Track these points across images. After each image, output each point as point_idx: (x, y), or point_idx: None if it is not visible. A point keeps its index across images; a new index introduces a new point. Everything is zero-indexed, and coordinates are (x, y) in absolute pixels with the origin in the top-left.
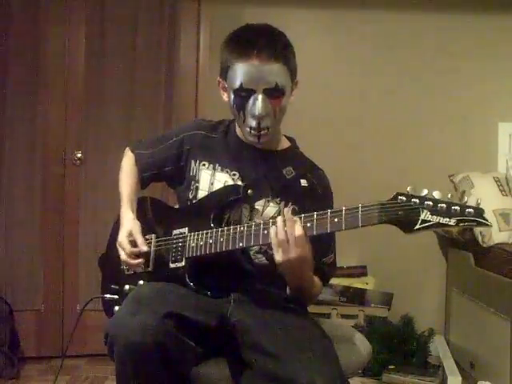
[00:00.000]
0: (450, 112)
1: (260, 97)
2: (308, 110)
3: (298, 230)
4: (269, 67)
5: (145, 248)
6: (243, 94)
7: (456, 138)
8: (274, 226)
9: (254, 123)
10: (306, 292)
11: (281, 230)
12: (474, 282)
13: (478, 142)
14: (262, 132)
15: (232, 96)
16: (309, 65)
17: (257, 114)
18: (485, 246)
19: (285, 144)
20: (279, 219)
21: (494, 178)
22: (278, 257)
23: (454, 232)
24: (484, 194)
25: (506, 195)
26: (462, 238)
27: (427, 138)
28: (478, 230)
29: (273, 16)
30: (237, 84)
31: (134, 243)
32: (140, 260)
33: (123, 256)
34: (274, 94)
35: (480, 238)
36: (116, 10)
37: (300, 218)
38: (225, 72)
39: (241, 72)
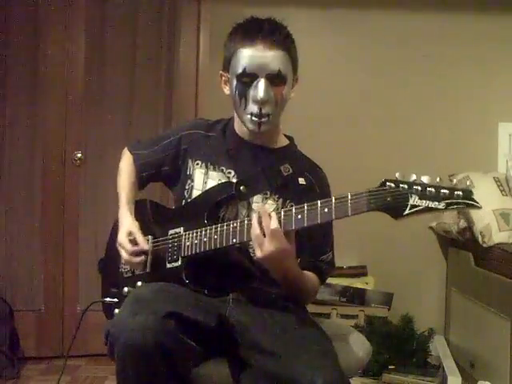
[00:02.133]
0: (450, 112)
1: (263, 81)
2: (307, 109)
3: (273, 224)
4: (273, 53)
5: (146, 246)
6: (246, 80)
7: (456, 138)
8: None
9: (255, 109)
10: (297, 286)
11: (255, 224)
12: (474, 282)
13: (478, 142)
14: (263, 119)
15: (234, 82)
16: (308, 64)
17: (259, 98)
18: (485, 245)
19: (283, 142)
20: (254, 215)
21: (494, 178)
22: (257, 252)
23: (453, 232)
24: (484, 194)
25: (506, 195)
26: (461, 238)
27: (427, 138)
28: (477, 229)
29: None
30: (240, 69)
31: (134, 242)
32: (142, 258)
33: (125, 255)
34: (277, 80)
35: (480, 238)
36: (116, 10)
37: (279, 212)
38: (228, 62)
39: (245, 57)
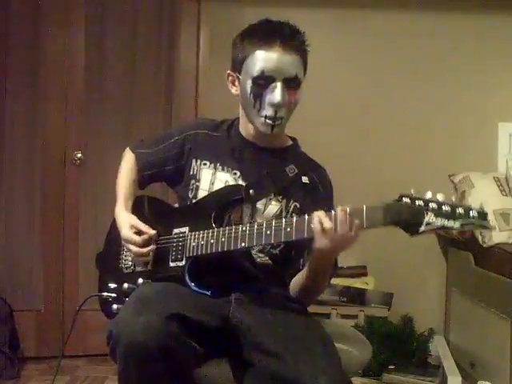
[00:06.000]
0: (450, 112)
1: (279, 85)
2: (309, 110)
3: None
4: (291, 58)
5: (152, 231)
6: (262, 82)
7: (456, 138)
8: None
9: (270, 111)
10: (321, 283)
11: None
12: (474, 282)
13: (478, 142)
14: (277, 122)
15: (250, 84)
16: (310, 64)
17: (276, 102)
18: (485, 246)
19: (287, 142)
20: (340, 210)
21: (494, 177)
22: (322, 242)
23: (454, 232)
24: (484, 194)
25: (506, 195)
26: (461, 238)
27: (427, 138)
28: (478, 230)
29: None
30: (257, 71)
31: (138, 234)
32: (152, 246)
33: (134, 249)
34: (292, 84)
35: (480, 238)
36: (116, 9)
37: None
38: (240, 63)
39: (263, 59)
